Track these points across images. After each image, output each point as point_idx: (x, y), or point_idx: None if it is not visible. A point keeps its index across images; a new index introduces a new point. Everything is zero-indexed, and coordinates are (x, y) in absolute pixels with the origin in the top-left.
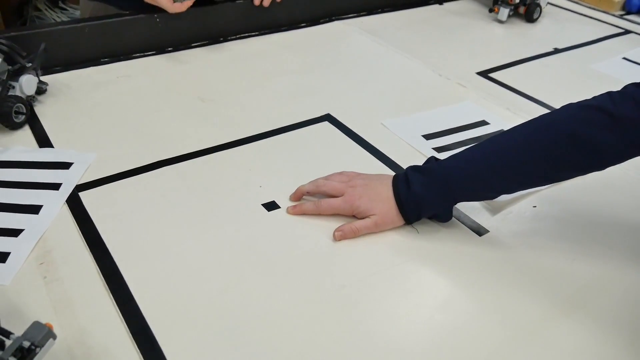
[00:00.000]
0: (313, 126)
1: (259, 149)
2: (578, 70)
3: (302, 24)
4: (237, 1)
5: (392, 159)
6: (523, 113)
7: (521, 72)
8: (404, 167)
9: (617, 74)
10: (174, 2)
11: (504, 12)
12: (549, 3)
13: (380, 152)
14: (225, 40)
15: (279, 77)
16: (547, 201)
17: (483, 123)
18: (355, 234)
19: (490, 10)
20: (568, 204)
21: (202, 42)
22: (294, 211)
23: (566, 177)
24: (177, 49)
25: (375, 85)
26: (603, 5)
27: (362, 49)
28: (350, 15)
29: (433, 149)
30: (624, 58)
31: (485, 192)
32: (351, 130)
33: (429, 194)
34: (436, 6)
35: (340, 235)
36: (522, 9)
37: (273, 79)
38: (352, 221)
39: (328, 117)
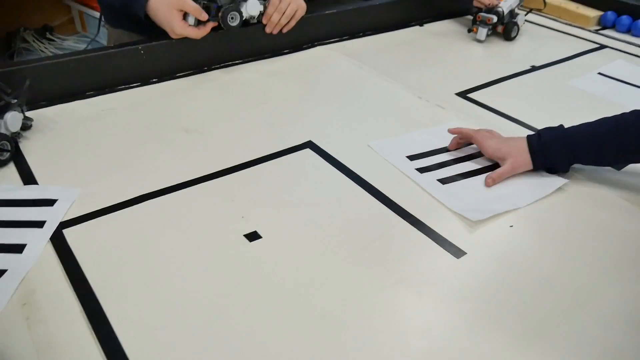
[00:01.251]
0: (295, 154)
1: (241, 179)
2: (555, 87)
3: (285, 51)
4: (219, 30)
5: (373, 184)
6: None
7: (500, 91)
8: (386, 193)
9: (593, 90)
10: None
11: (483, 31)
12: (526, 21)
13: (362, 178)
14: (210, 69)
15: (262, 104)
16: (524, 220)
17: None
18: (500, 177)
19: (469, 31)
20: (544, 222)
21: (187, 72)
22: (455, 129)
23: None
24: (161, 79)
25: (357, 109)
26: (579, 21)
27: (344, 73)
28: (332, 40)
29: (416, 169)
30: (600, 73)
31: (598, 155)
32: (332, 156)
33: (554, 143)
34: (417, 28)
35: (491, 181)
36: (500, 28)
37: (257, 106)
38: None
39: (310, 144)
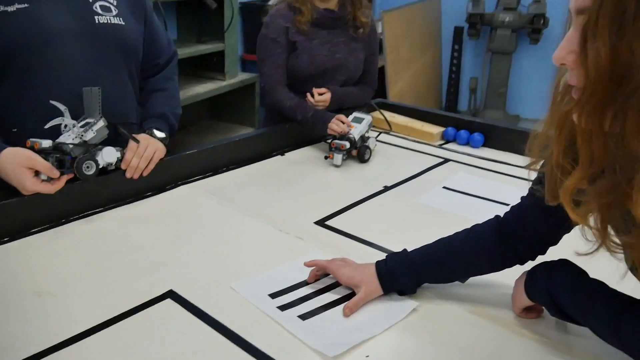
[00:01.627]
0: (155, 306)
1: (98, 343)
2: (405, 205)
3: (148, 193)
4: (77, 181)
5: (235, 331)
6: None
7: (356, 215)
8: (247, 338)
9: (438, 204)
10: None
11: (338, 157)
12: (378, 141)
13: (224, 325)
14: (68, 221)
15: (122, 254)
16: (379, 347)
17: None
18: (356, 306)
19: (326, 157)
20: (399, 347)
21: (42, 227)
22: (310, 262)
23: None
24: (13, 238)
25: (219, 249)
26: (425, 137)
27: (207, 213)
28: (195, 178)
29: (277, 307)
30: (444, 187)
31: (440, 274)
32: (193, 305)
33: (400, 268)
34: (278, 157)
35: (349, 311)
36: (354, 152)
37: (116, 257)
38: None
39: (170, 294)
